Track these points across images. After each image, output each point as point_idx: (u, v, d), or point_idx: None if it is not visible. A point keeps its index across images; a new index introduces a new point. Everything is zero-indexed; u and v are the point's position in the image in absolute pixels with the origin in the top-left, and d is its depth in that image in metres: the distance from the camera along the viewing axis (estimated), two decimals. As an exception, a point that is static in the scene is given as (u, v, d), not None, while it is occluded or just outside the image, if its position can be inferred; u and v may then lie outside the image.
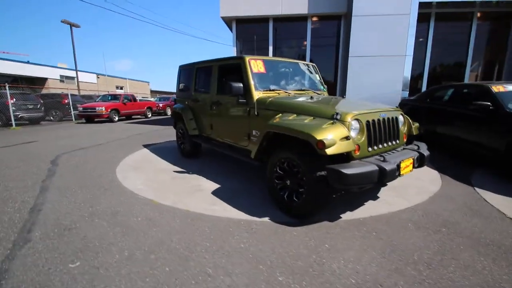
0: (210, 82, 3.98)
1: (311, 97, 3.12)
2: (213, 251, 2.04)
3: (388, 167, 2.21)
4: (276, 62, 3.62)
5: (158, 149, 5.74)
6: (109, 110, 11.81)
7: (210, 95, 4.00)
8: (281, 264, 1.88)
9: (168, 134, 8.20)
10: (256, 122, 3.13)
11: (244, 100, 3.23)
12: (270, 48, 8.73)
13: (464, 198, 3.12)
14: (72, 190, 3.30)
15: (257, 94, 3.16)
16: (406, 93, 7.63)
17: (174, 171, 4.12)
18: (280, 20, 8.57)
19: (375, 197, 3.11)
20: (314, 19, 8.49)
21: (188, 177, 3.82)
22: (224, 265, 1.87)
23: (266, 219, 2.57)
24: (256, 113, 3.09)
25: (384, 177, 2.20)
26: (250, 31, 9.03)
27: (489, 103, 3.99)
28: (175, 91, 5.29)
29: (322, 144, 2.11)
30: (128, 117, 14.02)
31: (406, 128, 3.03)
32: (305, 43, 8.95)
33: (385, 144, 2.66)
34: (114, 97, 13.44)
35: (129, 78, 35.33)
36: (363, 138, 2.41)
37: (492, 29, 8.00)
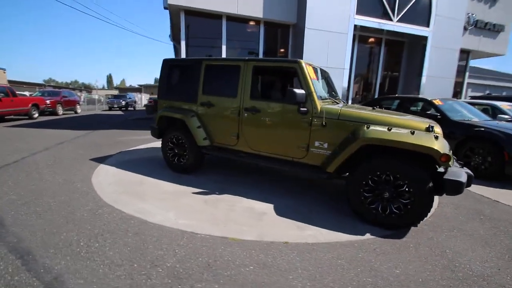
0: (238, 84, 3.40)
1: (373, 108, 3.21)
2: (387, 285, 1.80)
3: (471, 172, 2.58)
4: (316, 68, 3.49)
5: (125, 164, 4.39)
6: (-26, 108, 8.00)
7: (237, 99, 3.41)
8: (451, 281, 1.88)
9: (103, 142, 6.39)
10: (321, 133, 2.93)
11: (306, 109, 2.96)
12: (224, 48, 8.22)
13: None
14: (80, 245, 2.10)
15: (319, 103, 2.97)
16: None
17: (194, 193, 3.29)
18: (232, 19, 8.20)
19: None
20: (266, 24, 8.60)
21: (222, 199, 3.15)
22: (423, 299, 1.70)
23: (369, 235, 2.48)
24: (323, 124, 2.90)
25: (471, 181, 2.54)
26: (198, 26, 8.20)
27: (438, 114, 5.23)
28: (155, 87, 4.21)
29: (446, 158, 2.24)
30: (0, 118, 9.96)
31: None
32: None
33: None
34: (-23, 89, 9.17)
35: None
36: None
37: (393, 52, 10.45)
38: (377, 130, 2.55)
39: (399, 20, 8.95)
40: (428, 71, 9.69)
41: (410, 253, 2.22)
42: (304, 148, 3.06)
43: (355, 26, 8.72)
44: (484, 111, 6.89)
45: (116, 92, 40.46)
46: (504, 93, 20.52)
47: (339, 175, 2.96)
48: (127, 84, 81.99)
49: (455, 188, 2.30)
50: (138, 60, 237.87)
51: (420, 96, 6.50)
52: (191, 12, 7.79)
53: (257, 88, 3.36)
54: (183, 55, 8.01)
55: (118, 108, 23.70)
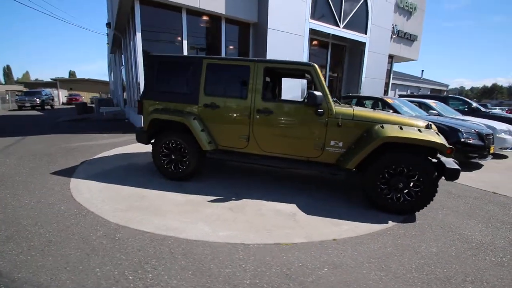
0: (248, 85, 3.30)
1: (374, 108, 3.54)
2: (436, 263, 2.10)
3: (457, 161, 3.16)
4: (322, 72, 3.65)
5: (103, 176, 3.76)
6: None
7: (248, 100, 3.32)
8: (472, 251, 2.32)
9: (50, 151, 5.29)
10: (337, 132, 3.13)
11: (322, 110, 3.11)
12: (185, 43, 7.71)
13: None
14: (129, 279, 1.77)
15: (333, 105, 3.16)
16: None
17: (210, 201, 3.09)
18: (193, 13, 7.74)
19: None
20: (228, 21, 8.41)
21: (244, 205, 3.05)
22: (470, 272, 2.04)
23: (391, 222, 2.80)
24: (339, 124, 3.10)
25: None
26: (154, 17, 7.46)
27: (391, 110, 6.12)
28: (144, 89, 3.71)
29: (451, 150, 2.70)
30: None
31: None
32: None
33: None
34: None
35: None
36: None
37: (337, 54, 11.58)
38: (393, 129, 2.88)
39: (345, 27, 9.99)
40: (366, 73, 11.13)
41: (430, 233, 2.62)
42: (320, 148, 3.21)
43: (309, 29, 9.35)
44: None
45: (21, 88, 33.29)
46: (409, 91, 25.10)
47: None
48: (32, 78, 68.21)
49: (455, 174, 2.80)
50: (46, 49, 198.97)
51: (377, 96, 7.46)
52: (147, 2, 7.04)
53: (269, 90, 3.33)
54: (139, 48, 7.22)
55: (30, 107, 19.71)
